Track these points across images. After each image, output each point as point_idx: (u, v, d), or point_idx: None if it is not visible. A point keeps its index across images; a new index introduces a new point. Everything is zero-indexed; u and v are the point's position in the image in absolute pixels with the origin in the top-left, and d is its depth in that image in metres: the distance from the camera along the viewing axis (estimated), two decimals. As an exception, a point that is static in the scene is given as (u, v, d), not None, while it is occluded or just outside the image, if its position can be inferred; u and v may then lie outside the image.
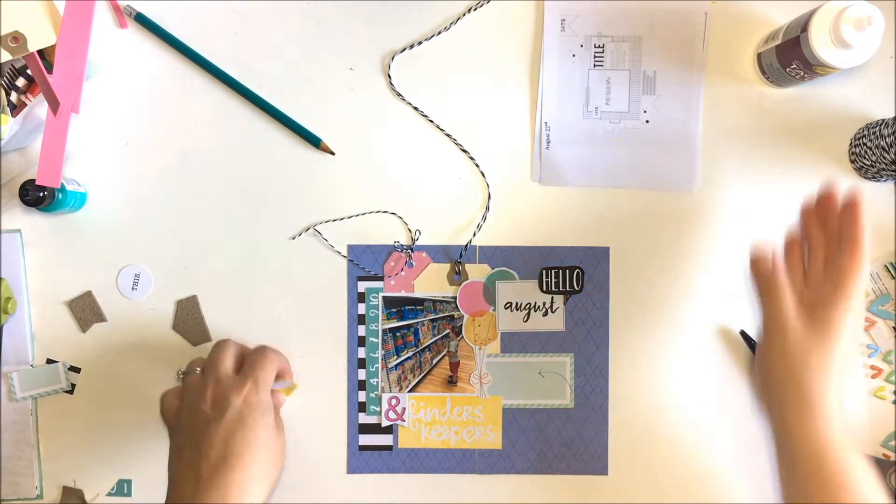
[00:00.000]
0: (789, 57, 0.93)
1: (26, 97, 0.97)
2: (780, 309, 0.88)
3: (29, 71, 0.96)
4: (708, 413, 1.01)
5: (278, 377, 0.96)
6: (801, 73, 0.94)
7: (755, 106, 1.01)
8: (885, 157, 0.93)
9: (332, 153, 1.01)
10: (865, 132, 0.97)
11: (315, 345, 1.01)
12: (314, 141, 1.00)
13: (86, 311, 1.01)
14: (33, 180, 0.92)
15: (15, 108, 0.96)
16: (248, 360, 0.93)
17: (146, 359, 1.01)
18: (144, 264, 1.01)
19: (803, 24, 0.90)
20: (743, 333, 1.00)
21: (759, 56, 0.99)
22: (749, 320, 1.01)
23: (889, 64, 1.00)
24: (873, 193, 1.00)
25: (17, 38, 0.85)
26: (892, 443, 1.00)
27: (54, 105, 0.89)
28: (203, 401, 0.89)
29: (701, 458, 1.01)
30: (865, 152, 0.96)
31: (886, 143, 0.92)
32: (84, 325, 1.01)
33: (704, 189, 1.01)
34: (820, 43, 0.89)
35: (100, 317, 1.01)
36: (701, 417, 1.01)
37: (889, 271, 1.00)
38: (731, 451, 1.01)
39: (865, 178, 1.00)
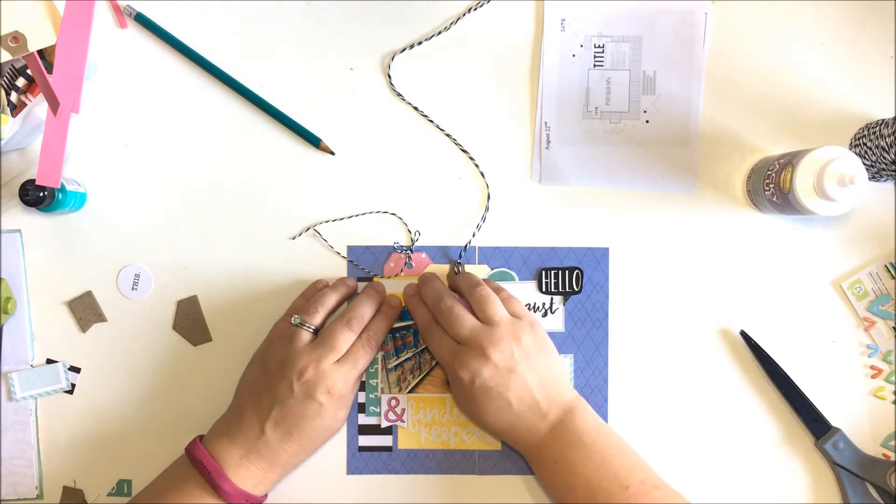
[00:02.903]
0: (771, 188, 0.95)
1: (26, 97, 0.97)
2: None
3: (29, 71, 0.96)
4: (708, 413, 1.01)
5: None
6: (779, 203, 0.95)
7: (755, 106, 1.01)
8: (885, 157, 0.93)
9: (332, 153, 1.01)
10: (865, 132, 0.97)
11: (315, 345, 1.01)
12: (314, 141, 1.00)
13: (86, 311, 1.00)
14: (33, 180, 0.91)
15: (15, 108, 0.96)
16: (351, 351, 0.95)
17: (146, 359, 1.01)
18: (144, 264, 1.01)
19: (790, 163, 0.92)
20: (743, 333, 1.00)
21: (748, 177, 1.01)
22: (749, 321, 1.01)
23: (889, 64, 1.00)
24: (873, 194, 1.00)
25: (17, 38, 0.85)
26: (892, 443, 1.00)
27: (54, 105, 0.89)
28: (296, 371, 0.92)
29: (701, 459, 1.01)
30: (865, 152, 0.96)
31: (886, 143, 0.92)
32: (84, 325, 1.01)
33: (704, 189, 1.01)
34: (804, 193, 0.90)
35: (100, 317, 1.01)
36: (701, 418, 1.01)
37: (889, 271, 1.00)
38: (731, 451, 1.01)
39: (865, 177, 1.00)
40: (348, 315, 0.95)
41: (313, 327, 0.95)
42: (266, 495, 0.95)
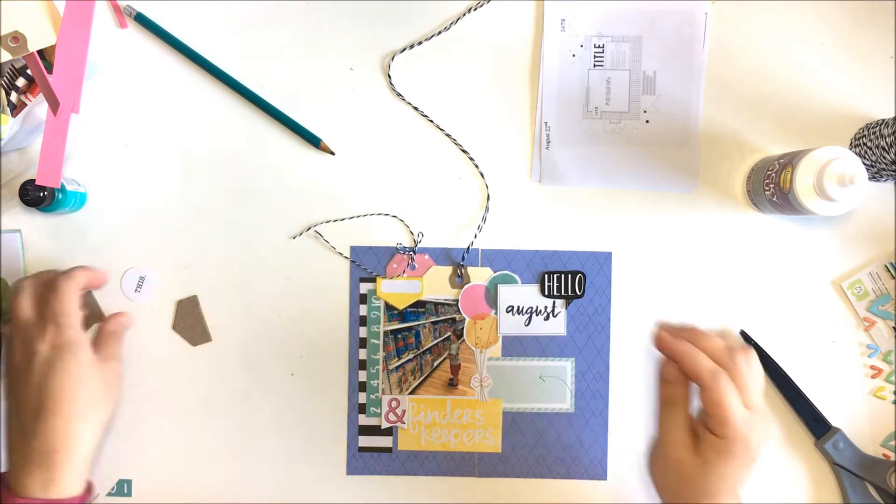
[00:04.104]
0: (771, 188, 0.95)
1: (26, 97, 0.97)
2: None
3: (29, 71, 0.96)
4: (709, 414, 1.01)
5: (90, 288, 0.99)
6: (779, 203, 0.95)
7: (755, 106, 1.01)
8: (885, 157, 0.93)
9: (332, 153, 1.01)
10: (865, 132, 0.97)
11: (316, 346, 1.01)
12: (314, 141, 1.00)
13: (86, 310, 1.00)
14: (33, 180, 0.91)
15: (15, 108, 0.96)
16: (45, 300, 0.93)
17: (146, 359, 1.01)
18: (144, 264, 1.01)
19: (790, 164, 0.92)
20: (743, 333, 1.00)
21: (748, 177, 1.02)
22: (749, 321, 1.01)
23: (889, 64, 1.01)
24: (873, 193, 1.00)
25: (17, 38, 0.85)
26: (892, 443, 1.00)
27: (54, 105, 0.89)
28: (13, 353, 0.92)
29: (702, 459, 1.01)
30: (865, 152, 0.96)
31: (886, 143, 0.93)
32: (84, 324, 1.00)
33: (704, 189, 1.01)
34: (804, 193, 0.90)
35: (100, 317, 1.01)
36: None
37: (889, 271, 1.00)
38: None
39: (865, 177, 1.00)
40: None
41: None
42: (87, 492, 0.92)
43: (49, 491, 0.88)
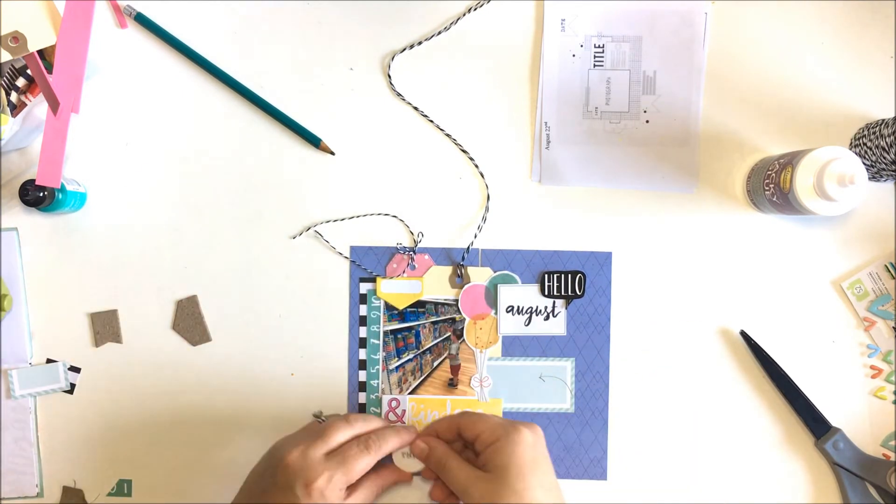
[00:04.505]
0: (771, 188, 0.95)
1: (26, 97, 0.97)
2: None
3: (29, 71, 0.96)
4: (708, 413, 1.01)
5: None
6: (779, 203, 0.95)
7: (755, 106, 1.01)
8: (885, 157, 0.93)
9: (332, 153, 1.01)
10: (865, 132, 0.97)
11: (315, 346, 1.01)
12: (314, 141, 1.00)
13: (105, 326, 1.00)
14: (33, 180, 0.91)
15: (15, 108, 0.96)
16: (344, 448, 0.90)
17: (146, 359, 1.01)
18: (144, 264, 1.01)
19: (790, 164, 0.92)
20: (743, 333, 1.00)
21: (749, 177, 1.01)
22: (749, 321, 1.01)
23: (889, 64, 1.01)
24: (873, 193, 1.00)
25: (17, 38, 0.85)
26: (892, 443, 1.00)
27: (54, 105, 0.89)
28: (285, 458, 0.87)
29: (701, 459, 1.01)
30: (865, 152, 0.96)
31: (886, 143, 0.93)
32: (99, 340, 1.01)
33: (704, 189, 1.01)
34: (804, 193, 0.90)
35: (117, 337, 1.01)
36: (701, 422, 1.01)
37: (889, 271, 1.00)
38: (731, 451, 1.01)
39: (865, 177, 1.00)
40: (352, 414, 0.94)
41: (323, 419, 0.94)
42: None
43: None
